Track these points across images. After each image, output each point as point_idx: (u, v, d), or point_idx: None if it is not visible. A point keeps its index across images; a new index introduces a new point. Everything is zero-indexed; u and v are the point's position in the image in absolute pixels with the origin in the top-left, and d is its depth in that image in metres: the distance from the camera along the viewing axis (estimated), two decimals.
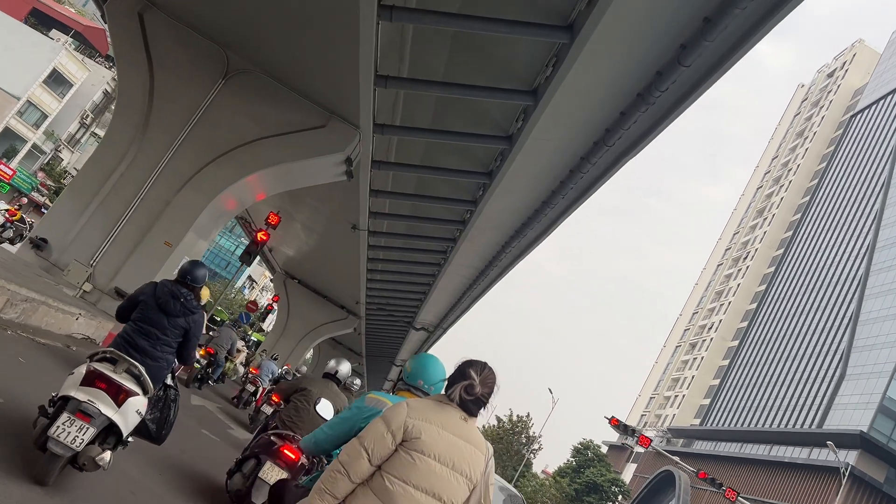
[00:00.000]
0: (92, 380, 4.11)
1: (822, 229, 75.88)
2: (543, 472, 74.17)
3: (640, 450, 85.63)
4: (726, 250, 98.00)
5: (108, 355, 4.40)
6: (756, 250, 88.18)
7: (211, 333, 17.70)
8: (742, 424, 69.47)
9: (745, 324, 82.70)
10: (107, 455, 4.14)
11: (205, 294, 6.05)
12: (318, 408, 6.13)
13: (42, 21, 43.08)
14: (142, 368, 4.39)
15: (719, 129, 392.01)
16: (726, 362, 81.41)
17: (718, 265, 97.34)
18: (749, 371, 73.85)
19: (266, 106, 13.23)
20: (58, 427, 3.90)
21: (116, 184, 12.84)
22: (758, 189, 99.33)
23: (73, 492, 4.45)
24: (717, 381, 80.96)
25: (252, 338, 29.41)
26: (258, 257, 37.70)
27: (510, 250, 20.38)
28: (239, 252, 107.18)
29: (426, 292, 31.20)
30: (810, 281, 72.24)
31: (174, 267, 13.22)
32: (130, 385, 4.26)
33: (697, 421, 79.75)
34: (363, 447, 2.67)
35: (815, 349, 63.95)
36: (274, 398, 9.95)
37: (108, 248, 12.65)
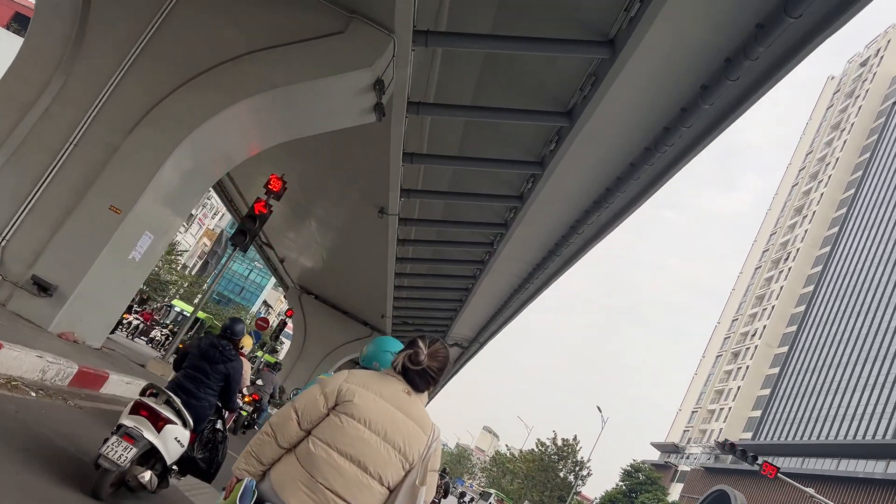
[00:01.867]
0: (137, 409, 4.94)
1: (871, 223, 70.69)
2: (581, 497, 68.83)
3: (686, 468, 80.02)
4: (763, 252, 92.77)
5: (153, 389, 5.26)
6: (797, 250, 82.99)
7: (255, 378, 15.40)
8: (800, 437, 63.95)
9: (792, 328, 77.32)
10: (147, 474, 4.94)
11: (247, 343, 6.89)
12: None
13: (26, 26, 39.74)
14: (178, 401, 5.13)
15: (733, 136, 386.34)
16: (775, 370, 75.96)
17: (756, 268, 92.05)
18: (803, 379, 68.41)
19: (257, 5, 9.21)
20: (108, 447, 4.68)
21: (36, 124, 8.65)
22: (793, 186, 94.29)
23: None
24: (766, 392, 75.47)
25: (261, 359, 25.07)
26: (271, 269, 33.65)
27: (580, 233, 16.13)
28: (254, 277, 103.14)
29: (463, 299, 26.98)
30: (863, 278, 67.00)
31: (127, 248, 9.49)
32: (169, 414, 4.99)
33: (748, 435, 74.17)
34: (294, 409, 2.60)
35: (879, 351, 58.61)
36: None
37: (23, 219, 8.52)
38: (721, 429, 77.90)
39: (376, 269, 22.77)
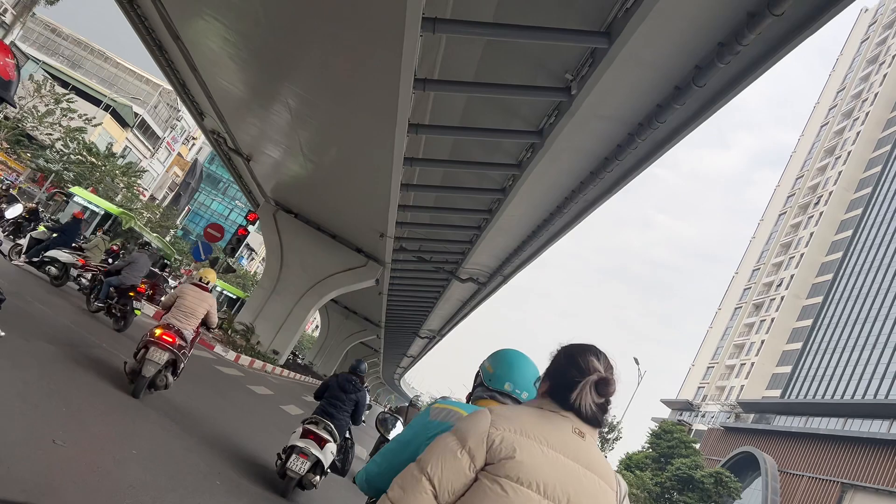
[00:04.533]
0: (307, 434, 7.18)
1: None
2: None
3: (702, 427, 74.29)
4: (789, 197, 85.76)
5: (313, 419, 7.44)
6: (830, 194, 75.99)
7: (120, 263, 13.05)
8: (837, 395, 57.90)
9: (823, 278, 70.85)
10: (316, 478, 7.24)
11: (212, 277, 8.45)
12: (392, 434, 8.35)
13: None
14: (332, 426, 7.44)
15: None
16: (804, 323, 69.69)
17: (781, 214, 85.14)
18: (840, 332, 62.11)
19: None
20: (291, 462, 7.01)
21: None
22: (822, 126, 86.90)
23: (298, 501, 7.40)
24: (793, 346, 69.33)
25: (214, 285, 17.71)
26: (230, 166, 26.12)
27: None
28: (234, 217, 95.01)
29: (484, 223, 19.92)
30: None
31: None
32: (327, 436, 7.27)
33: (772, 393, 68.30)
34: (424, 475, 1.73)
35: None
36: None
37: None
38: (742, 385, 72.02)
39: (376, 172, 15.79)
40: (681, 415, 79.37)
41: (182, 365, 7.75)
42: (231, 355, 18.96)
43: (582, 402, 1.75)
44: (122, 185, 42.53)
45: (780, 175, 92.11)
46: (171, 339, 7.41)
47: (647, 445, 48.45)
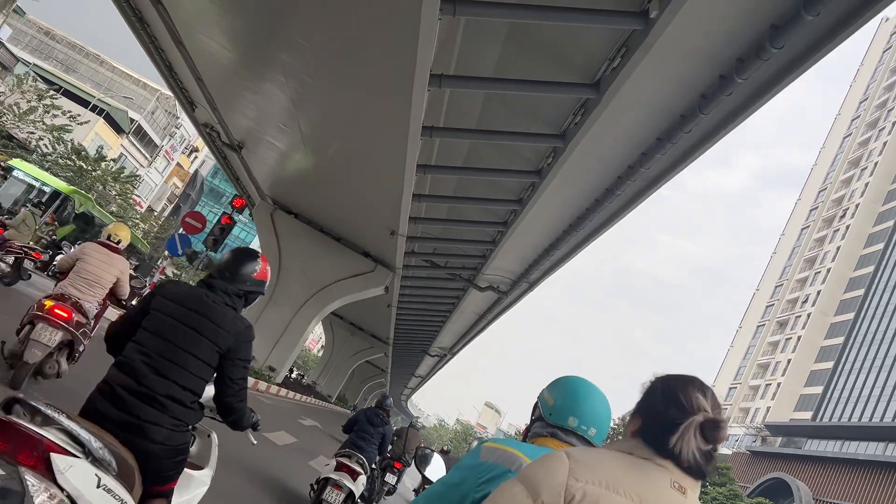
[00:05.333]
0: (340, 467, 7.58)
1: None
2: None
3: (726, 451, 70.59)
4: (811, 210, 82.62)
5: (346, 453, 7.88)
6: (857, 206, 72.83)
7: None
8: (876, 418, 54.35)
9: (852, 294, 67.52)
10: None
11: (124, 235, 6.20)
12: (428, 471, 7.58)
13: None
14: (364, 459, 7.87)
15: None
16: (833, 341, 66.26)
17: (803, 228, 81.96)
18: (874, 350, 58.62)
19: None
20: (327, 493, 7.36)
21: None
22: (845, 137, 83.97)
23: None
24: (822, 365, 65.85)
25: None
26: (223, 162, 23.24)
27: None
28: (238, 231, 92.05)
29: (512, 217, 17.32)
30: None
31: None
32: (359, 469, 7.63)
33: (801, 415, 64.72)
34: None
35: None
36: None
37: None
38: (769, 407, 68.45)
39: (387, 157, 13.38)
40: None
41: (81, 348, 5.90)
42: None
43: (684, 448, 1.43)
44: (114, 192, 39.86)
45: (802, 188, 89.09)
46: (65, 314, 5.57)
47: None
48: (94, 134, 43.60)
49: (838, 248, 71.82)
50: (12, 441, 2.12)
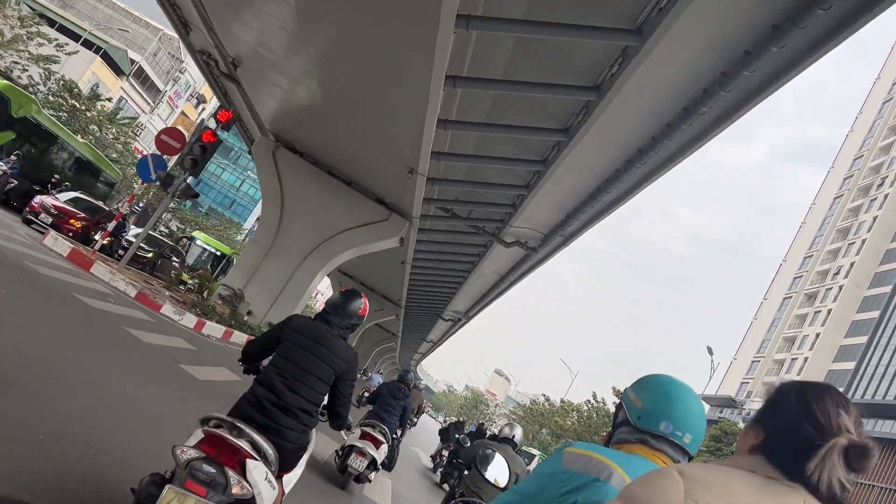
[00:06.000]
0: (364, 436, 8.16)
1: None
2: None
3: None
4: (846, 179, 78.79)
5: (370, 423, 8.41)
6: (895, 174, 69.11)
7: None
8: None
9: (888, 266, 64.19)
10: (371, 474, 8.25)
11: None
12: (489, 471, 6.37)
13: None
14: (386, 429, 8.46)
15: None
16: (866, 315, 63.15)
17: (836, 197, 78.22)
18: None
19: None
20: (352, 459, 7.95)
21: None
22: (885, 102, 79.69)
23: (354, 492, 8.31)
24: (854, 340, 62.86)
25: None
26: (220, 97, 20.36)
27: None
28: (246, 188, 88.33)
29: (553, 155, 14.52)
30: None
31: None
32: (381, 438, 8.25)
33: None
34: None
35: None
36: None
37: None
38: None
39: (406, 79, 10.60)
40: (721, 412, 73.25)
41: None
42: (189, 320, 13.17)
43: (823, 476, 1.21)
44: (111, 136, 37.07)
45: (836, 156, 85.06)
46: None
47: (702, 449, 42.70)
48: (90, 73, 40.70)
49: (875, 218, 68.25)
50: (219, 448, 3.33)
